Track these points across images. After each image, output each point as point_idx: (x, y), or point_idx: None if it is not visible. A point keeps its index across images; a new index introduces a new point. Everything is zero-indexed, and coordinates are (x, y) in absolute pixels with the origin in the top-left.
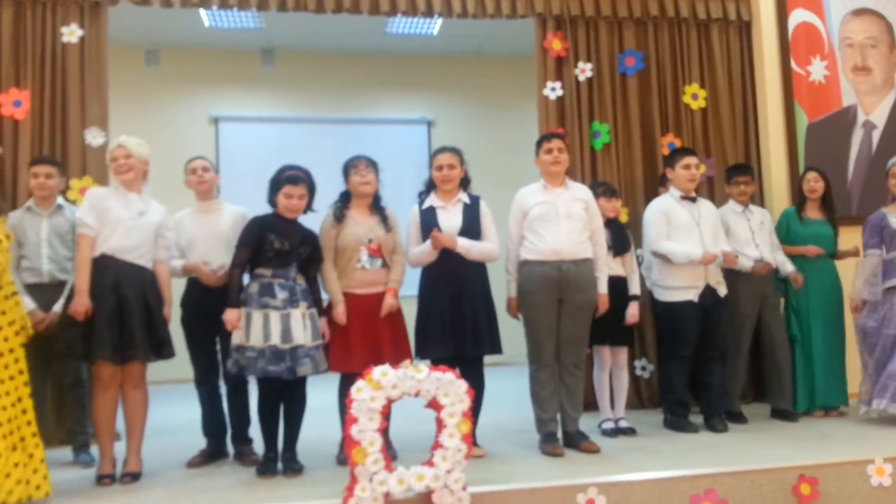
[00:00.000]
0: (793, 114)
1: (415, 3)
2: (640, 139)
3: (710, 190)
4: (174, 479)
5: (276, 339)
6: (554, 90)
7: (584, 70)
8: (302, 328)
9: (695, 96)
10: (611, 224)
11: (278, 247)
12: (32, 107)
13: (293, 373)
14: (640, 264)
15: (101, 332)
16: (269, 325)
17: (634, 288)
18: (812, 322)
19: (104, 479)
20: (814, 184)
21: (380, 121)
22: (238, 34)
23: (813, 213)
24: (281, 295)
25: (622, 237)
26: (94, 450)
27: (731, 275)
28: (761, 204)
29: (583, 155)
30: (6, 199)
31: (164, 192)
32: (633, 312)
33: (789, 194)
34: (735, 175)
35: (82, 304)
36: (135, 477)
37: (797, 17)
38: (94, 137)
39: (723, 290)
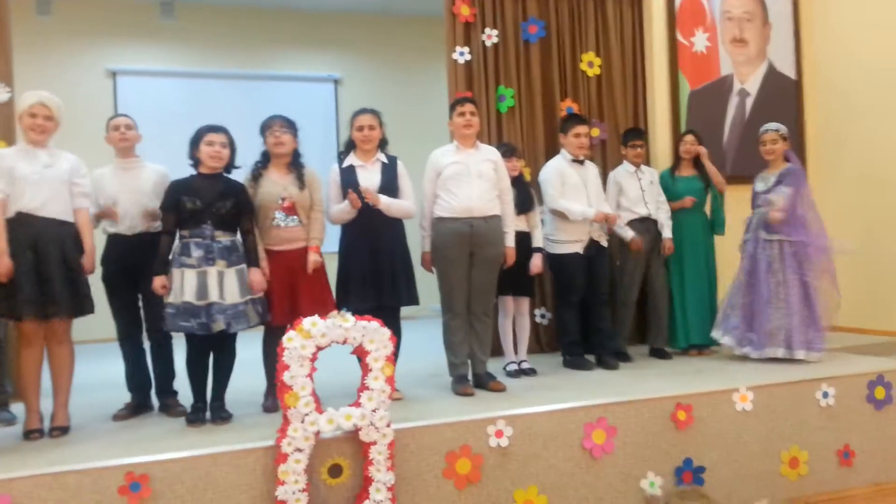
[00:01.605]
0: (677, 81)
1: None
2: (541, 103)
3: (603, 152)
4: (103, 431)
5: (189, 296)
6: (462, 55)
7: (491, 36)
8: (218, 285)
9: (591, 64)
10: (515, 183)
11: (190, 207)
12: None
13: (207, 328)
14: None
15: (21, 291)
16: (185, 282)
17: (537, 241)
18: (685, 268)
19: (33, 434)
20: (689, 146)
21: (287, 77)
22: None
23: (686, 171)
24: (196, 253)
25: (526, 195)
26: (14, 408)
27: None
28: (646, 164)
29: (489, 117)
30: None
31: (58, 146)
32: (536, 263)
33: (672, 155)
34: (631, 138)
35: (3, 265)
36: (64, 430)
37: None
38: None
39: (604, 242)
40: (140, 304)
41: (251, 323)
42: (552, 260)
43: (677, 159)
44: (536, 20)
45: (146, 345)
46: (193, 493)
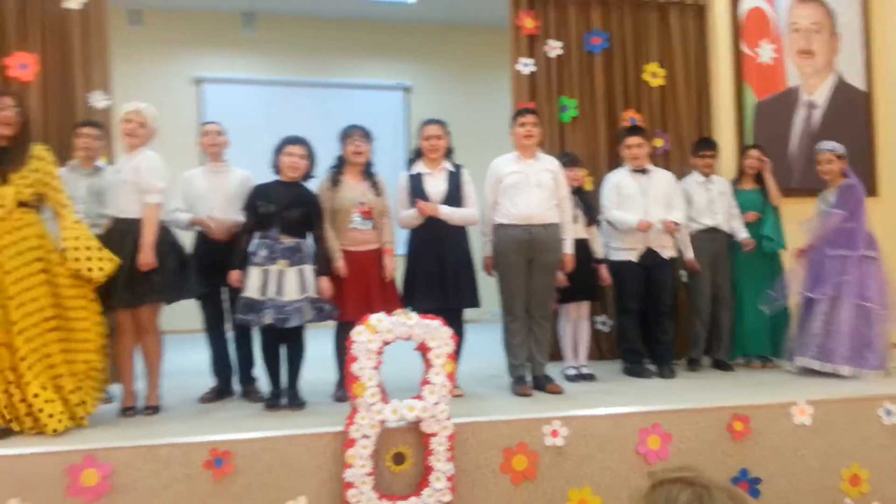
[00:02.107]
0: (742, 92)
1: None
2: (603, 114)
3: (667, 163)
4: (191, 412)
5: (252, 292)
6: (526, 66)
7: (554, 47)
8: (276, 283)
9: (654, 74)
10: (577, 193)
11: (262, 210)
12: (39, 70)
13: (259, 322)
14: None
15: (113, 284)
16: (249, 280)
17: (599, 251)
18: (748, 280)
19: (128, 411)
20: (754, 160)
21: (358, 86)
22: None
23: (748, 184)
24: (262, 252)
25: (588, 207)
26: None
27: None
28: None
29: (552, 127)
30: None
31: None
32: (606, 274)
33: (737, 167)
34: (702, 149)
35: None
36: (155, 410)
37: (748, 2)
38: (98, 100)
39: (667, 253)
40: (224, 297)
41: (305, 319)
42: (610, 267)
43: (740, 172)
44: (600, 32)
45: (229, 334)
46: (270, 470)
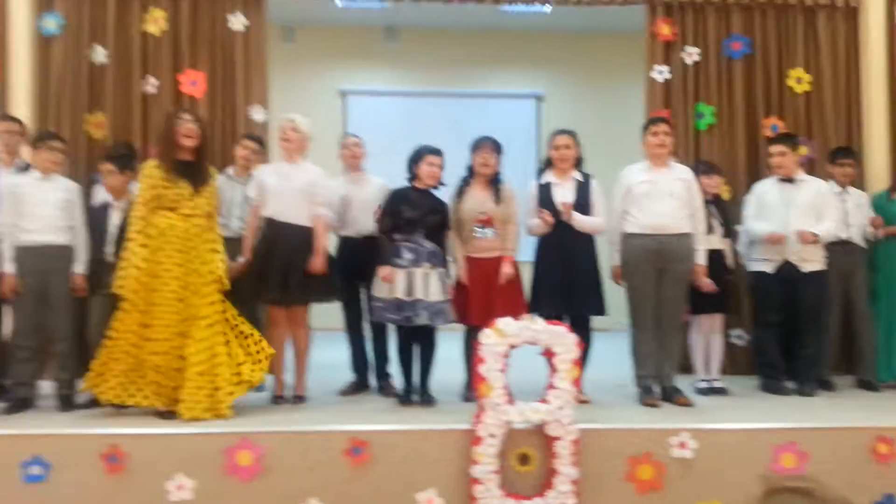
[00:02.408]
0: None
1: None
2: (743, 121)
3: (811, 171)
4: (332, 403)
5: (399, 293)
6: (661, 73)
7: (692, 54)
8: (423, 284)
9: (799, 80)
10: (718, 204)
11: (408, 216)
12: (206, 86)
13: (410, 321)
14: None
15: (268, 280)
16: (396, 281)
17: (728, 261)
18: (894, 295)
19: (279, 399)
20: None
21: (492, 95)
22: (365, 13)
23: None
24: (407, 256)
25: (725, 218)
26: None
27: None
28: (861, 186)
29: (687, 135)
30: None
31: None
32: (708, 282)
33: (889, 177)
34: (840, 157)
35: (246, 261)
36: (302, 399)
37: None
38: (256, 113)
39: (808, 267)
40: (362, 297)
41: (449, 320)
42: (748, 279)
43: (895, 181)
44: (741, 36)
45: (367, 333)
46: (405, 462)
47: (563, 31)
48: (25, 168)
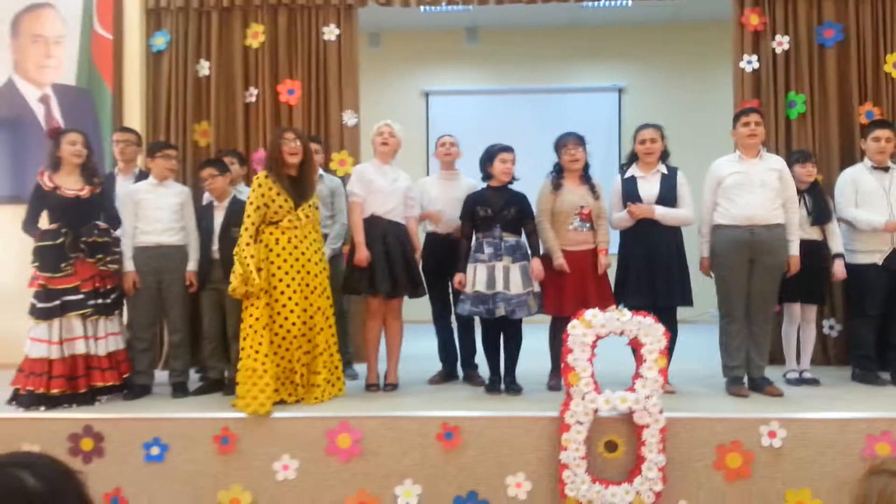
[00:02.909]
0: None
1: None
2: (836, 108)
3: None
4: (422, 391)
5: (480, 286)
6: (750, 63)
7: (781, 43)
8: (503, 277)
9: None
10: (811, 191)
11: (483, 214)
12: (302, 94)
13: (492, 314)
14: None
15: (380, 274)
16: (476, 275)
17: (837, 246)
18: None
19: (372, 387)
20: None
21: (573, 90)
22: (447, 16)
23: None
24: (487, 251)
25: (823, 206)
26: (355, 367)
27: None
28: None
29: (777, 125)
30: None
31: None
32: (839, 270)
33: None
34: None
35: (364, 256)
36: (394, 387)
37: None
38: (349, 118)
39: None
40: (450, 290)
41: (532, 311)
42: (848, 270)
43: None
44: (833, 24)
45: (454, 324)
46: (493, 446)
47: (644, 24)
48: (141, 175)
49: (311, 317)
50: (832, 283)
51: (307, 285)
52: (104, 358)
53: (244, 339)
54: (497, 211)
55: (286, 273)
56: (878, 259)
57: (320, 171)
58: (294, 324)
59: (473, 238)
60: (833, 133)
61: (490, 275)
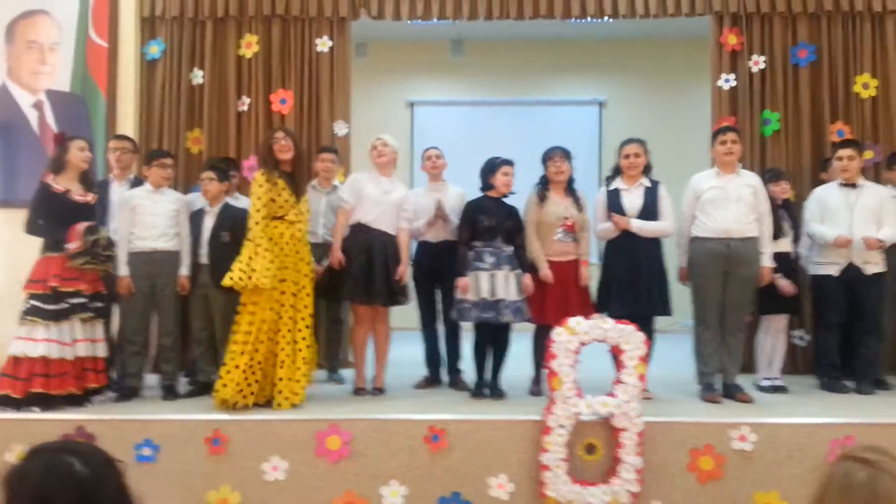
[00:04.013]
0: None
1: (602, 6)
2: (809, 126)
3: (877, 175)
4: (408, 395)
5: (485, 294)
6: (728, 81)
7: (758, 62)
8: (504, 285)
9: (865, 85)
10: (788, 208)
11: (487, 224)
12: (294, 104)
13: (497, 320)
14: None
15: (354, 281)
16: (480, 283)
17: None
18: None
19: (360, 391)
20: None
21: (555, 102)
22: (433, 28)
23: None
24: (489, 260)
25: (792, 221)
26: (342, 373)
27: (888, 254)
28: None
29: (752, 141)
30: None
31: (363, 166)
32: (785, 284)
33: None
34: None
35: (337, 258)
36: (381, 391)
37: None
38: (340, 128)
39: (870, 269)
40: (437, 298)
41: (525, 317)
42: (811, 281)
43: None
44: (807, 44)
45: (440, 331)
46: (478, 448)
47: (625, 39)
48: (136, 182)
49: (291, 317)
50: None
51: (296, 283)
52: (100, 360)
53: (237, 335)
54: (500, 221)
55: (286, 268)
56: (835, 271)
57: (335, 182)
58: (278, 319)
59: (473, 247)
60: (806, 150)
61: (492, 283)
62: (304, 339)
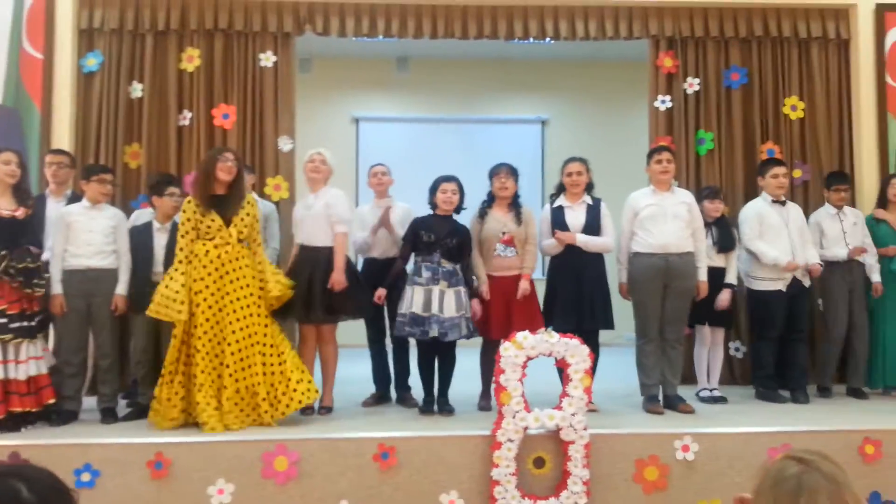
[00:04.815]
0: (886, 124)
1: (544, 28)
2: (741, 146)
3: (805, 193)
4: (356, 413)
5: (416, 308)
6: (664, 102)
7: (692, 84)
8: (439, 301)
9: (794, 107)
10: (718, 223)
11: (426, 239)
12: (237, 119)
13: (425, 335)
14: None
15: (294, 301)
16: (414, 297)
17: (730, 277)
18: (886, 310)
19: (307, 411)
20: None
21: (498, 120)
22: (378, 44)
23: (894, 214)
24: (425, 274)
25: (728, 236)
26: None
27: (826, 269)
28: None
29: (688, 160)
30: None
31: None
32: (724, 298)
33: (877, 197)
34: (835, 182)
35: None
36: (329, 410)
37: (894, 35)
38: (284, 144)
39: (807, 282)
40: (384, 314)
41: (462, 334)
42: (751, 295)
43: (882, 201)
44: (739, 67)
45: (388, 348)
46: (428, 465)
47: (567, 59)
48: (73, 197)
49: (225, 338)
50: (729, 308)
51: (220, 306)
52: (23, 383)
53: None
54: (440, 238)
55: (206, 287)
56: (782, 286)
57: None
58: (200, 338)
59: (412, 261)
60: (738, 168)
61: (427, 298)
62: (274, 354)
